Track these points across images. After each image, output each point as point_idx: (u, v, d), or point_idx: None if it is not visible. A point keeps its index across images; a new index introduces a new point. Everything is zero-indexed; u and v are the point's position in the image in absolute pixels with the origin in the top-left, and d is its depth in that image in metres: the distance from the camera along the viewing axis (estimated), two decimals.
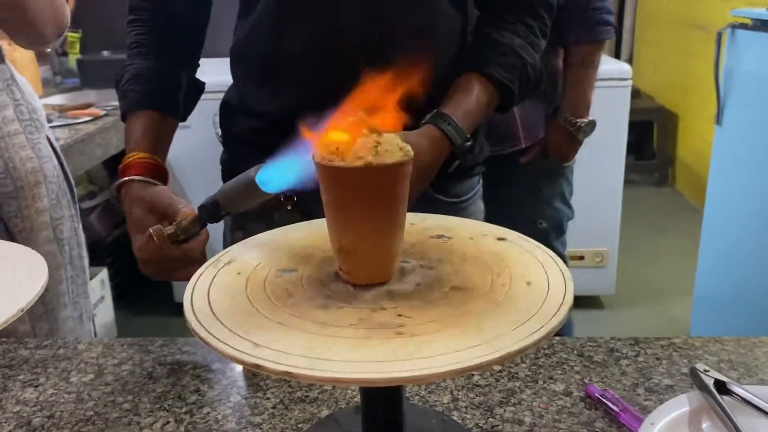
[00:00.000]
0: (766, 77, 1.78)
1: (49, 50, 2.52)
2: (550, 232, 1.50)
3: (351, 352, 0.37)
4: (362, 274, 0.45)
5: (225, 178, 0.89)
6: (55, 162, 1.07)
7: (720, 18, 2.79)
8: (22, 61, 2.08)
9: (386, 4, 0.78)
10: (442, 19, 0.81)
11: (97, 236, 2.43)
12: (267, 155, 0.52)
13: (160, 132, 0.81)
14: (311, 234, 0.54)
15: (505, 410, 0.61)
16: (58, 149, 1.10)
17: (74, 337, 1.08)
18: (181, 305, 0.43)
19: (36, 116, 1.05)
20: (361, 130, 0.43)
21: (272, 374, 0.36)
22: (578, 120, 1.42)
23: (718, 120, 1.98)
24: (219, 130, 0.93)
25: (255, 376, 0.67)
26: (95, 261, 1.62)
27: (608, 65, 2.21)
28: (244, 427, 0.60)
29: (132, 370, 0.70)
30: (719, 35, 1.93)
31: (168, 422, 0.61)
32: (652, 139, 4.03)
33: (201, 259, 0.65)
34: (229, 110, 0.90)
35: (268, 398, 0.64)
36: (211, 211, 0.59)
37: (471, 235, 0.53)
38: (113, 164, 0.80)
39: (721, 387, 0.56)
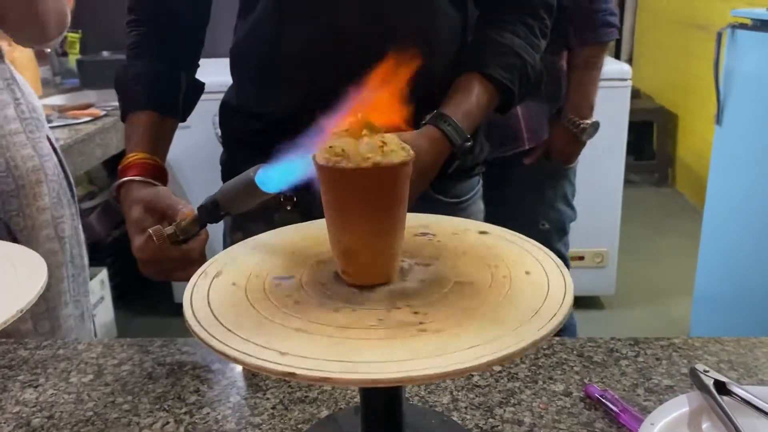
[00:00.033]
0: (766, 77, 1.78)
1: (49, 50, 2.52)
2: (552, 233, 1.49)
3: (382, 352, 0.37)
4: (367, 276, 0.45)
5: (225, 178, 0.88)
6: (56, 160, 1.07)
7: (720, 18, 2.79)
8: (21, 61, 2.08)
9: (386, 4, 0.78)
10: (442, 19, 0.81)
11: (97, 236, 2.43)
12: (267, 155, 0.52)
13: (160, 132, 0.81)
14: (297, 237, 0.53)
15: (504, 411, 0.61)
16: (58, 148, 1.10)
17: (75, 336, 1.09)
18: (180, 305, 0.43)
19: (36, 115, 1.05)
20: (365, 130, 0.43)
21: (308, 381, 0.36)
22: (582, 121, 1.42)
23: (718, 120, 1.98)
24: (219, 131, 0.93)
25: (255, 376, 0.67)
26: (95, 261, 1.61)
27: (608, 65, 2.20)
28: (244, 428, 0.60)
29: (132, 371, 0.70)
30: (719, 35, 1.93)
31: (168, 423, 0.61)
32: (651, 140, 4.03)
33: (201, 259, 0.65)
34: (228, 110, 0.89)
35: (267, 399, 0.64)
36: (210, 211, 0.59)
37: (453, 230, 0.54)
38: (113, 164, 0.80)
39: (721, 387, 0.56)
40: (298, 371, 0.35)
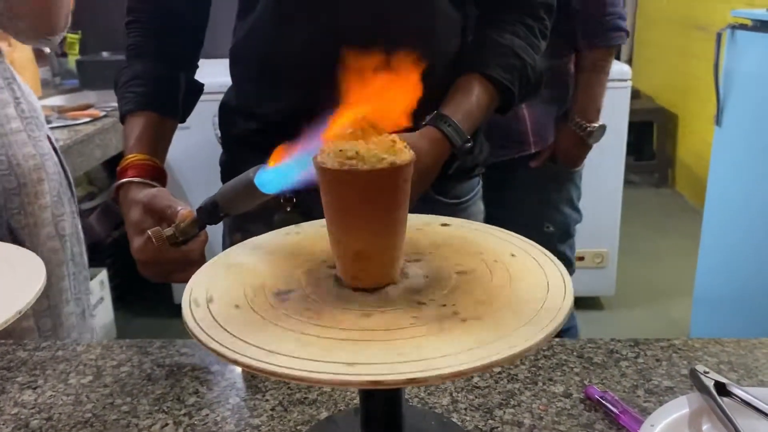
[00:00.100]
0: (766, 78, 1.78)
1: (48, 51, 2.52)
2: (556, 236, 1.49)
3: (443, 346, 0.37)
4: (378, 278, 0.45)
5: (224, 179, 0.88)
6: (56, 160, 1.08)
7: (720, 18, 2.79)
8: (21, 62, 2.08)
9: (386, 4, 0.78)
10: (441, 19, 0.81)
11: (97, 237, 2.43)
12: (266, 156, 0.52)
13: (159, 133, 0.81)
14: (274, 248, 0.52)
15: (504, 412, 0.61)
16: (58, 148, 1.10)
17: (77, 333, 1.09)
18: (179, 306, 0.43)
19: (36, 115, 1.06)
20: (370, 130, 0.43)
21: (399, 385, 0.36)
22: (589, 124, 1.41)
23: (718, 121, 1.98)
24: (218, 131, 0.93)
25: (254, 378, 0.67)
26: (95, 262, 1.61)
27: None
28: (243, 429, 0.60)
29: (131, 372, 0.69)
30: (719, 36, 1.93)
31: (167, 424, 0.61)
32: (651, 140, 4.03)
33: (200, 260, 0.65)
34: (228, 111, 0.89)
35: (267, 400, 0.64)
36: (210, 212, 0.59)
37: (416, 227, 0.54)
38: (113, 165, 0.81)
39: (721, 389, 0.56)
40: (382, 378, 0.34)
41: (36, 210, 1.01)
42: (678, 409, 0.55)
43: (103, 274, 2.18)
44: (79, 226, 1.13)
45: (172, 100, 0.85)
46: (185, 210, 0.66)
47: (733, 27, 1.90)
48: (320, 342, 0.38)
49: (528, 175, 1.44)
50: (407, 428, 0.49)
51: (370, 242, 0.44)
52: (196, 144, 2.02)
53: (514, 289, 0.44)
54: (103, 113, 1.95)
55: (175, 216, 0.66)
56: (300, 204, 0.77)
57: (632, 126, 2.36)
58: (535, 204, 1.46)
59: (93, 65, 2.53)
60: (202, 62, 0.90)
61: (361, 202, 0.43)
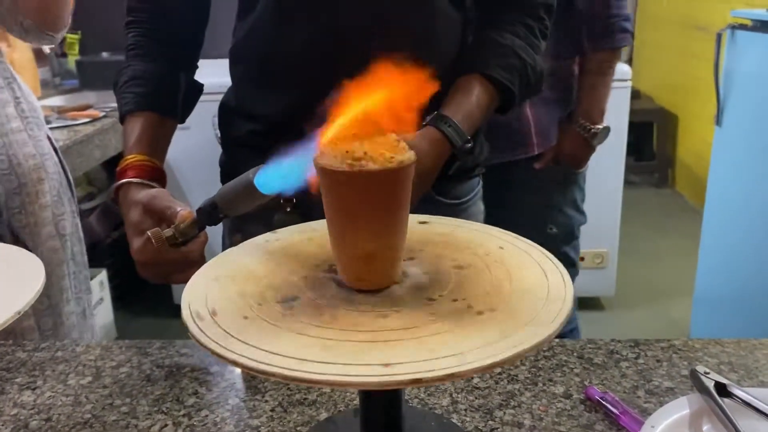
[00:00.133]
0: (766, 78, 1.78)
1: (48, 51, 2.52)
2: (559, 237, 1.48)
3: (468, 339, 0.38)
4: (383, 279, 0.45)
5: (224, 179, 0.88)
6: (56, 159, 1.08)
7: (720, 19, 2.79)
8: (21, 62, 2.08)
9: (386, 4, 0.77)
10: (442, 19, 0.81)
11: (97, 238, 2.43)
12: (266, 157, 0.52)
13: (159, 134, 0.81)
14: (259, 257, 0.50)
15: (504, 413, 0.61)
16: (58, 148, 1.10)
17: (77, 332, 1.09)
18: (179, 306, 0.43)
19: (36, 114, 1.07)
20: (373, 130, 0.43)
21: (440, 382, 0.35)
22: (593, 126, 1.40)
23: (718, 121, 1.98)
24: (218, 132, 0.93)
25: (253, 378, 0.67)
26: (94, 262, 1.61)
27: None
28: (243, 430, 0.59)
29: (130, 373, 0.69)
30: (719, 36, 1.93)
31: (166, 425, 0.61)
32: (651, 140, 4.03)
33: (200, 261, 0.65)
34: (227, 112, 0.89)
35: (266, 401, 0.63)
36: (209, 213, 0.59)
37: None
38: (112, 166, 0.80)
39: (722, 389, 0.56)
40: (423, 375, 0.34)
41: (36, 209, 1.01)
42: (678, 409, 0.55)
43: (102, 275, 2.18)
44: (79, 226, 1.13)
45: (172, 100, 0.84)
46: (185, 211, 0.65)
47: (733, 27, 1.90)
48: (346, 345, 0.38)
49: (531, 176, 1.43)
50: (407, 429, 0.48)
51: (379, 242, 0.44)
52: (195, 144, 2.01)
53: (515, 278, 0.45)
54: (102, 114, 1.95)
55: (174, 217, 0.65)
56: (300, 204, 0.77)
57: (632, 126, 2.36)
58: (538, 205, 1.46)
59: (92, 65, 2.53)
60: (201, 62, 0.90)
61: (370, 203, 0.43)
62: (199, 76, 0.90)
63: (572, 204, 1.50)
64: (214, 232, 0.74)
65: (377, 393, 0.47)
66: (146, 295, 2.55)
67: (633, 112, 2.35)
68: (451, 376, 0.35)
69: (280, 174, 0.51)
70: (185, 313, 0.42)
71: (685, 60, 3.71)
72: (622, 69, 2.28)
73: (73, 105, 2.05)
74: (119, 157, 0.79)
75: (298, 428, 0.59)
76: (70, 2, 1.01)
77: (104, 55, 2.65)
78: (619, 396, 0.62)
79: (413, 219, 0.55)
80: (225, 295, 0.44)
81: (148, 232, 0.63)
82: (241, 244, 0.53)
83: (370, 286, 0.44)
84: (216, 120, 0.91)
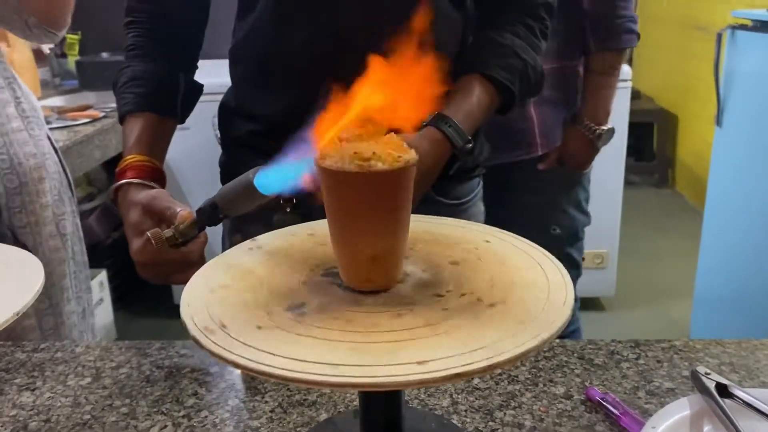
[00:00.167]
0: (766, 78, 1.78)
1: (48, 52, 2.52)
2: (564, 238, 1.46)
3: (492, 330, 0.38)
4: (389, 277, 0.45)
5: (224, 180, 0.88)
6: (56, 159, 1.08)
7: (720, 19, 2.79)
8: (20, 62, 2.08)
9: (386, 4, 0.77)
10: (442, 19, 0.80)
11: (96, 238, 2.42)
12: (266, 157, 0.52)
13: (158, 134, 0.81)
14: (250, 266, 0.49)
15: (505, 414, 0.61)
16: (58, 148, 1.11)
17: (78, 332, 1.09)
18: (179, 307, 0.42)
19: (36, 114, 1.07)
20: (376, 130, 0.43)
21: (475, 374, 0.35)
22: (598, 127, 1.40)
23: (718, 121, 1.98)
24: (218, 132, 0.93)
25: (253, 379, 0.66)
26: (94, 263, 1.61)
27: None
28: (242, 431, 0.59)
29: (129, 374, 0.69)
30: (719, 36, 1.93)
31: (166, 426, 0.60)
32: (652, 141, 4.03)
33: (200, 262, 0.65)
34: (227, 112, 0.89)
35: (266, 402, 0.63)
36: (209, 214, 0.58)
37: None
38: (112, 166, 0.80)
39: (723, 390, 0.56)
40: (464, 369, 0.35)
41: (37, 209, 1.02)
42: (679, 410, 0.55)
43: (102, 275, 2.17)
44: (79, 226, 1.13)
45: (172, 100, 0.84)
46: (184, 211, 0.65)
47: (734, 27, 1.90)
48: (374, 347, 0.37)
49: (535, 177, 1.42)
50: (407, 430, 0.48)
51: (386, 242, 0.44)
52: (195, 145, 2.01)
53: (510, 268, 0.46)
54: (102, 114, 1.95)
55: (174, 217, 0.65)
56: (300, 205, 0.77)
57: (632, 127, 2.36)
58: (542, 206, 1.44)
59: (92, 66, 2.53)
60: (201, 63, 0.90)
61: (380, 203, 0.42)
62: (198, 77, 0.90)
63: (576, 205, 1.49)
64: (214, 233, 0.74)
65: (377, 393, 0.47)
66: (146, 295, 2.55)
67: (633, 113, 2.34)
68: (489, 368, 0.35)
69: (280, 174, 0.51)
70: (191, 327, 0.40)
71: (685, 60, 3.70)
72: (622, 69, 2.27)
73: (73, 105, 2.05)
74: (119, 157, 0.79)
75: (298, 429, 0.59)
76: (72, 0, 1.01)
77: (104, 55, 2.65)
78: (619, 397, 0.62)
79: None
80: (228, 306, 0.42)
81: (148, 233, 0.63)
82: (225, 254, 0.51)
83: (376, 287, 0.44)
84: (216, 120, 0.91)
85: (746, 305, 1.90)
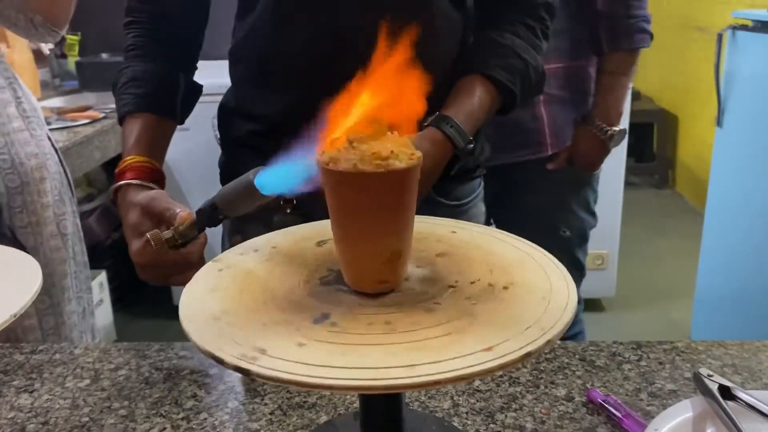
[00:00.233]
0: (767, 79, 1.77)
1: (48, 52, 2.51)
2: (572, 240, 1.45)
3: (525, 312, 0.40)
4: (401, 276, 0.45)
5: (224, 181, 0.88)
6: (57, 159, 1.08)
7: (720, 19, 2.79)
8: (20, 63, 2.08)
9: (386, 4, 0.77)
10: (442, 19, 0.80)
11: (96, 239, 2.42)
12: (266, 158, 0.51)
13: (158, 135, 0.81)
14: (245, 279, 0.47)
15: (506, 416, 0.60)
16: (58, 149, 1.11)
17: (78, 332, 1.09)
18: (178, 308, 0.42)
19: (37, 114, 1.07)
20: (383, 129, 0.42)
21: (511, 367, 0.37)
22: (609, 128, 1.39)
23: (719, 122, 1.97)
24: (218, 133, 0.93)
25: (253, 381, 0.66)
26: (94, 264, 1.61)
27: None
28: None
29: (128, 375, 0.69)
30: (720, 37, 1.92)
31: (165, 428, 0.60)
32: (652, 141, 4.03)
33: (199, 263, 0.64)
34: (227, 113, 0.89)
35: (266, 404, 0.63)
36: (209, 215, 0.58)
37: None
38: (112, 167, 0.80)
39: (726, 392, 0.56)
40: (532, 348, 0.36)
41: (38, 209, 1.02)
42: (682, 412, 0.55)
43: (102, 276, 2.17)
44: (80, 226, 1.13)
45: (171, 101, 0.84)
46: (184, 212, 0.65)
47: (734, 28, 1.89)
48: (434, 342, 0.37)
49: (544, 177, 1.40)
50: None
51: (403, 240, 0.44)
52: (195, 145, 2.01)
53: (496, 255, 0.48)
54: (102, 115, 1.95)
55: (173, 218, 0.65)
56: (300, 206, 0.77)
57: (633, 127, 2.35)
58: (550, 207, 1.43)
59: (92, 67, 2.52)
60: (201, 63, 0.90)
61: (399, 200, 0.42)
62: (198, 77, 0.89)
63: (585, 206, 1.47)
64: (214, 234, 0.73)
65: (378, 395, 0.46)
66: (146, 296, 2.55)
67: (633, 113, 2.34)
68: (549, 343, 0.37)
69: (280, 175, 0.50)
70: (227, 360, 0.37)
71: (685, 61, 3.70)
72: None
73: (73, 106, 2.05)
74: (119, 158, 0.78)
75: (298, 431, 0.59)
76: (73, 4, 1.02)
77: (104, 56, 2.65)
78: (621, 399, 0.62)
79: None
80: (250, 328, 0.40)
81: (147, 234, 0.62)
82: (211, 266, 0.49)
83: (390, 288, 0.44)
84: (215, 121, 0.91)
85: (747, 306, 1.89)
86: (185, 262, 0.64)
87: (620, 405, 0.59)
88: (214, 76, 1.10)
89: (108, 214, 2.46)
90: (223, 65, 0.87)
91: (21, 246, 0.97)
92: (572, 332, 1.50)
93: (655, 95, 4.12)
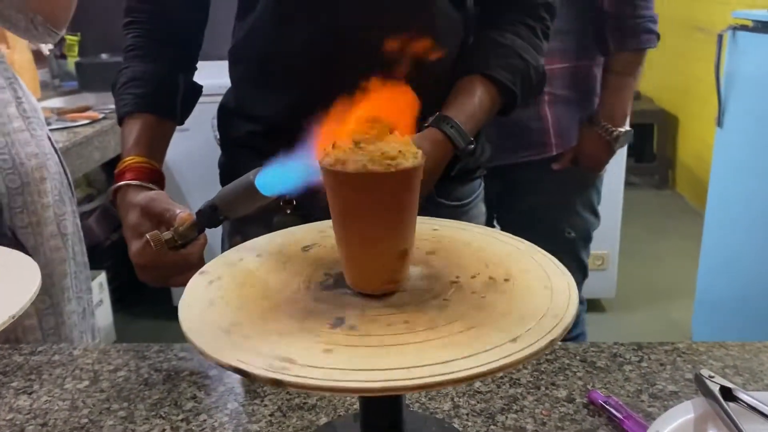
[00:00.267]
0: (767, 79, 1.77)
1: (47, 53, 2.51)
2: (577, 241, 1.44)
3: (537, 297, 0.41)
4: (407, 274, 0.45)
5: (223, 181, 0.88)
6: (57, 159, 1.08)
7: (720, 20, 2.79)
8: (20, 63, 2.08)
9: (386, 4, 0.77)
10: (442, 19, 0.80)
11: (96, 240, 2.42)
12: (265, 158, 0.51)
13: (157, 135, 0.80)
14: (245, 291, 0.45)
15: (506, 417, 0.60)
16: (57, 149, 1.11)
17: (78, 332, 1.09)
18: (178, 308, 0.42)
19: (37, 115, 1.07)
20: (386, 129, 0.42)
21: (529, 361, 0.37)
22: (615, 129, 1.39)
23: (719, 122, 1.97)
24: (217, 134, 0.92)
25: (252, 383, 0.66)
26: (93, 264, 1.61)
27: None
28: None
29: (128, 377, 0.69)
30: (720, 37, 1.92)
31: (164, 430, 0.60)
32: (652, 142, 4.03)
33: (199, 264, 0.64)
34: (227, 113, 0.89)
35: (265, 405, 0.63)
36: (209, 215, 0.58)
37: (319, 230, 0.55)
38: (111, 167, 0.80)
39: (727, 393, 0.55)
40: (554, 337, 0.37)
41: (39, 209, 1.02)
42: (683, 414, 0.55)
43: (102, 277, 2.17)
44: (80, 226, 1.13)
45: (171, 101, 0.84)
46: (184, 213, 0.65)
47: (734, 28, 1.89)
48: (461, 338, 0.38)
49: (548, 177, 1.39)
50: None
51: (410, 238, 0.44)
52: (195, 146, 2.01)
53: (485, 250, 0.49)
54: (102, 115, 1.94)
55: (173, 219, 0.65)
56: (300, 206, 0.77)
57: (633, 127, 2.34)
58: (554, 208, 1.42)
59: (92, 67, 2.52)
60: (200, 64, 0.90)
61: (406, 199, 0.42)
62: (197, 78, 0.89)
63: (589, 207, 1.47)
64: (214, 235, 0.73)
65: (378, 396, 0.46)
66: (145, 297, 2.54)
67: (633, 114, 2.32)
68: (565, 329, 0.39)
69: (281, 175, 0.50)
70: (258, 375, 0.35)
71: (685, 61, 3.70)
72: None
73: (73, 107, 2.04)
74: (118, 158, 0.78)
75: None
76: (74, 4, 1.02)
77: (103, 56, 2.65)
78: (622, 400, 0.61)
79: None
80: (267, 339, 0.39)
81: (147, 235, 0.62)
82: (199, 279, 0.47)
83: (399, 285, 0.44)
84: (215, 122, 0.91)
85: (747, 306, 1.89)
86: (185, 263, 0.64)
87: (621, 406, 0.59)
88: (213, 76, 1.10)
89: (107, 214, 2.46)
90: (223, 65, 0.87)
91: (21, 246, 0.97)
92: (574, 333, 1.49)
93: (656, 95, 4.12)
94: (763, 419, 0.54)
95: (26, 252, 0.87)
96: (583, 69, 1.37)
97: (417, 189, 0.43)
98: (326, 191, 0.43)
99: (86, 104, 2.07)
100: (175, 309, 0.43)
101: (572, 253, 1.43)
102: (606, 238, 2.41)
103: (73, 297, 1.08)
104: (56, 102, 2.23)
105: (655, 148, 4.01)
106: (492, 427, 0.59)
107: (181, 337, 0.43)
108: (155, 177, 0.76)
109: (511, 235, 0.51)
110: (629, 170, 2.58)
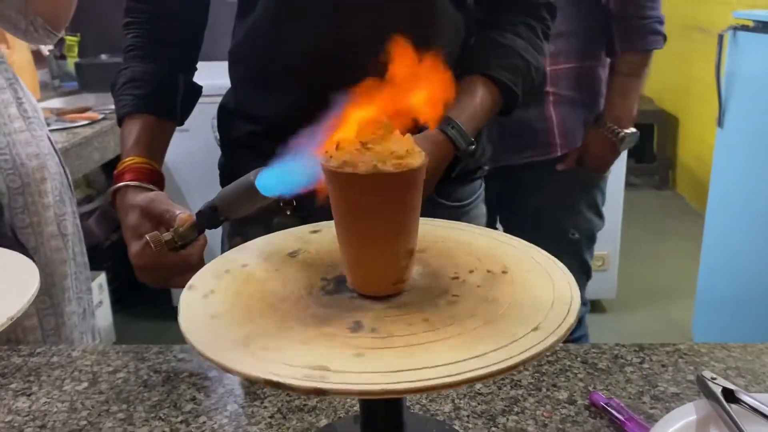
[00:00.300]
0: None
1: (47, 53, 2.51)
2: (581, 242, 1.44)
3: (546, 289, 0.42)
4: (410, 277, 0.45)
5: (223, 182, 0.88)
6: (57, 159, 1.08)
7: (721, 20, 2.79)
8: (20, 64, 2.08)
9: (387, 4, 0.77)
10: (443, 19, 0.80)
11: (96, 240, 2.41)
12: (265, 159, 0.51)
13: (157, 136, 0.80)
14: (248, 297, 0.44)
15: (507, 419, 0.60)
16: (57, 149, 1.10)
17: (78, 333, 1.09)
18: (178, 309, 0.42)
19: (37, 115, 1.07)
20: (390, 129, 0.42)
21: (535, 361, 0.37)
22: (621, 130, 1.38)
23: (720, 122, 1.97)
24: (217, 134, 0.92)
25: (252, 384, 0.66)
26: (93, 265, 1.61)
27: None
28: None
29: (127, 378, 0.68)
30: (720, 37, 1.92)
31: (163, 431, 0.60)
32: (652, 142, 4.03)
33: (199, 264, 0.63)
34: (227, 114, 0.88)
35: (265, 407, 0.62)
36: (209, 216, 0.58)
37: (312, 229, 0.55)
38: (111, 168, 0.80)
39: (729, 395, 0.55)
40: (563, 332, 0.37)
41: (39, 209, 1.01)
42: (685, 416, 0.54)
43: (101, 278, 2.16)
44: (80, 227, 1.13)
45: (171, 102, 0.84)
46: (184, 214, 0.65)
47: (735, 28, 1.89)
48: (479, 332, 0.38)
49: (553, 178, 1.39)
50: None
51: (414, 239, 0.44)
52: (194, 147, 2.01)
53: (472, 244, 0.49)
54: (101, 116, 1.94)
55: (173, 220, 0.65)
56: (300, 207, 0.76)
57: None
58: (560, 209, 1.41)
59: (91, 68, 2.52)
60: (200, 64, 0.89)
61: (414, 198, 0.42)
62: (197, 78, 0.89)
63: (594, 208, 1.46)
64: (214, 236, 0.73)
65: (378, 399, 0.46)
66: (145, 298, 2.54)
67: None
68: (576, 316, 0.39)
69: (281, 176, 0.50)
70: (301, 385, 0.34)
71: (686, 61, 3.70)
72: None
73: (72, 107, 2.04)
74: (118, 159, 0.78)
75: None
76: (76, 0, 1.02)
77: (103, 57, 2.65)
78: (624, 402, 0.61)
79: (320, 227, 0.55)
80: (289, 349, 0.38)
81: (147, 236, 0.62)
82: (190, 295, 0.45)
83: (406, 284, 0.44)
84: (215, 122, 0.91)
85: (748, 307, 1.89)
86: (185, 264, 0.64)
87: (623, 408, 0.59)
88: (213, 76, 1.10)
89: (107, 215, 2.45)
90: (223, 66, 0.86)
91: (22, 246, 0.97)
92: (577, 335, 1.49)
93: (656, 96, 4.12)
94: (766, 421, 0.53)
95: (27, 252, 0.87)
96: (589, 70, 1.36)
97: (422, 188, 0.43)
98: (331, 194, 0.42)
99: (86, 105, 2.07)
100: (175, 309, 0.42)
101: (576, 254, 1.43)
102: (606, 239, 2.40)
103: (73, 297, 1.08)
104: (56, 102, 2.23)
105: (655, 149, 4.01)
106: (493, 428, 0.59)
107: (180, 338, 0.42)
108: (155, 178, 0.76)
109: (486, 229, 0.53)
110: (629, 171, 2.58)
